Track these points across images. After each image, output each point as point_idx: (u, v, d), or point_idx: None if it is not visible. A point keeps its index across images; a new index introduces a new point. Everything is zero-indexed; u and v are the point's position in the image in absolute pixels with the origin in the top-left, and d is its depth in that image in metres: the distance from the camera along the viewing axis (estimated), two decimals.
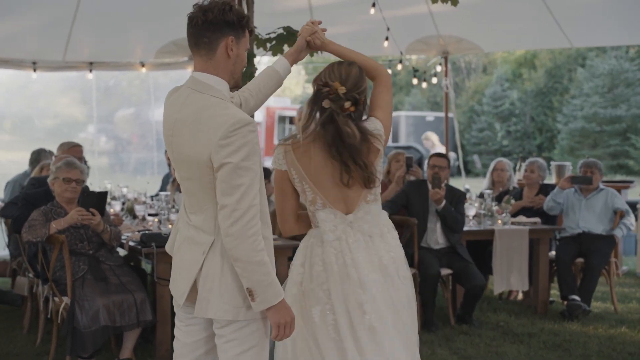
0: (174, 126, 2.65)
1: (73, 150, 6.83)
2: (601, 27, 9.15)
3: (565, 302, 6.78)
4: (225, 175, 2.50)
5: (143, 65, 9.93)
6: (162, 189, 8.22)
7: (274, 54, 5.12)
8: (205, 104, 2.60)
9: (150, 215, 6.39)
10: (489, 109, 34.82)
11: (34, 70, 9.49)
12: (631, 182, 9.73)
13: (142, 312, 4.93)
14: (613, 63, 29.85)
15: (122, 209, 7.04)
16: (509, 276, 6.82)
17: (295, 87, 37.23)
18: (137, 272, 5.47)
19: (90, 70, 9.81)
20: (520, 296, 7.58)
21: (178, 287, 2.74)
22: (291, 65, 3.25)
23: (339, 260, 3.09)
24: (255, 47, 5.12)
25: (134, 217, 6.74)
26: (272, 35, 5.15)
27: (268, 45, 5.15)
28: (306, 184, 3.13)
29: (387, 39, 8.02)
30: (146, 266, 6.42)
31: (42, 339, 5.62)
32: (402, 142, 24.94)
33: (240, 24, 2.68)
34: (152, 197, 7.56)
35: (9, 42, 9.01)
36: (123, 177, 11.14)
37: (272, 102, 26.65)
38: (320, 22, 3.28)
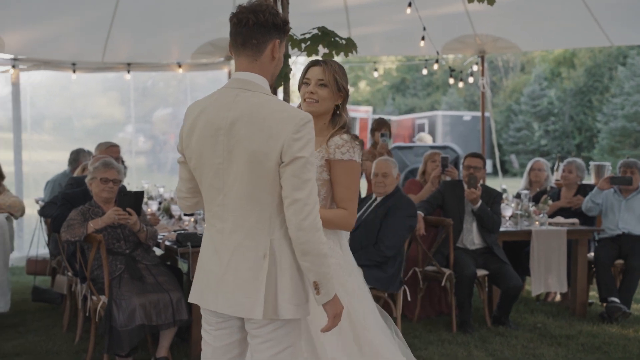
0: (224, 125, 2.61)
1: (110, 150, 6.90)
2: None
3: (605, 304, 6.68)
4: (297, 170, 2.53)
5: (180, 66, 10.03)
6: None
7: (309, 55, 5.12)
8: (260, 100, 2.62)
9: (186, 215, 6.43)
10: (527, 108, 34.51)
11: (74, 72, 9.65)
12: None
13: (178, 311, 4.97)
14: None
15: (159, 209, 7.12)
16: (546, 278, 6.74)
17: None
18: (173, 272, 5.51)
19: (128, 71, 9.95)
20: (558, 298, 7.49)
21: (240, 302, 2.61)
22: None
23: None
24: (290, 47, 5.12)
25: (170, 216, 6.81)
26: (307, 36, 5.16)
27: (303, 45, 5.16)
28: None
29: (423, 38, 7.97)
30: (182, 265, 6.47)
31: (80, 337, 5.69)
32: (439, 141, 24.79)
33: (284, 28, 2.73)
34: None
35: (50, 44, 9.17)
36: (160, 177, 11.21)
37: None
38: None
